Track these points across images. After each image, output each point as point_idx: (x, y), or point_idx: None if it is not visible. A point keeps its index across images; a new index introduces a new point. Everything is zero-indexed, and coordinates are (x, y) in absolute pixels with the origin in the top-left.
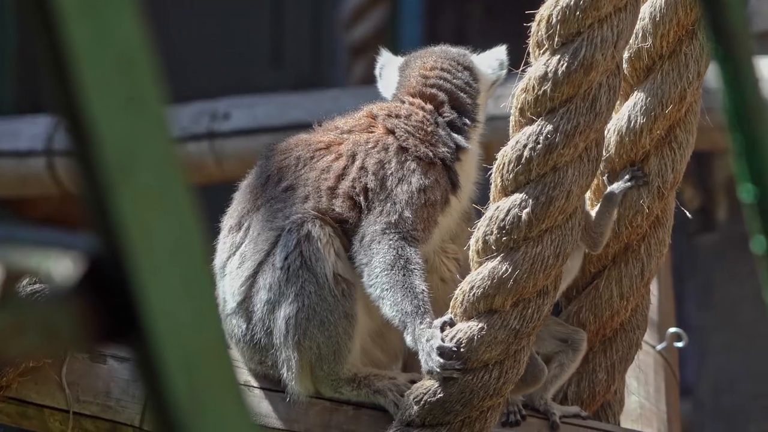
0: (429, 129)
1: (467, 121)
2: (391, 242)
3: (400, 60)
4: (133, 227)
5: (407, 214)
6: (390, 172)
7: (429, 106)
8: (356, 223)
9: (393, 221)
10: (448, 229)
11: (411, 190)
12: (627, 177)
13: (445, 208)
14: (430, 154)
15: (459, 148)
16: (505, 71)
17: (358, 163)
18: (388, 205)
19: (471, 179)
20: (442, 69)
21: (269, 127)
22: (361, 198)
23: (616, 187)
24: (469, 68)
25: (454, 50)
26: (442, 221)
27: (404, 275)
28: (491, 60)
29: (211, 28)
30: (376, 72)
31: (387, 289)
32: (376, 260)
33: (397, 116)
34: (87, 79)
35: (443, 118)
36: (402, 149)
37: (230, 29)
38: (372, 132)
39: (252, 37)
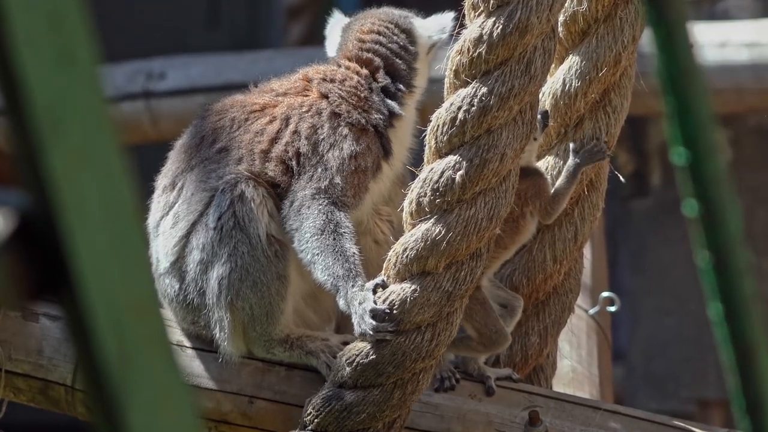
0: (363, 95)
1: (402, 87)
2: (321, 207)
3: (345, 21)
4: (63, 184)
5: (337, 180)
6: (322, 137)
7: (364, 71)
8: (288, 187)
9: (323, 187)
10: (381, 193)
11: (342, 156)
12: (590, 151)
13: (376, 175)
14: (363, 120)
15: (393, 115)
16: (445, 36)
17: (291, 127)
18: (319, 170)
19: (405, 145)
20: (378, 33)
21: (205, 87)
22: (294, 163)
23: (580, 161)
24: (407, 31)
25: (396, 13)
26: (373, 187)
27: (335, 239)
28: (433, 24)
29: None
30: (325, 32)
31: (318, 254)
32: (306, 225)
33: (332, 81)
34: (17, 36)
35: (378, 83)
36: (335, 114)
37: None
38: (306, 96)
39: None
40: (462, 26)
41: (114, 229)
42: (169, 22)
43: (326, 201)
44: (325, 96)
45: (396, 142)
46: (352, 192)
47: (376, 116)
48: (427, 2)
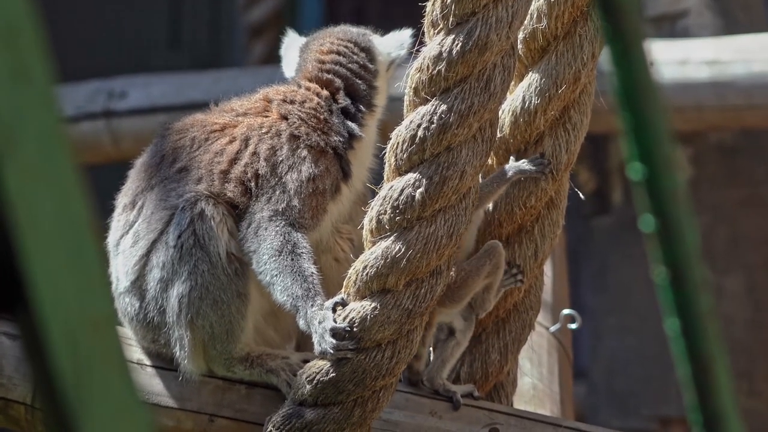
0: (322, 117)
1: (362, 107)
2: (278, 228)
3: (302, 40)
4: (18, 202)
5: (295, 202)
6: (281, 158)
7: (325, 92)
8: (247, 208)
9: (281, 209)
10: (341, 213)
11: (301, 179)
12: (530, 162)
13: (335, 197)
14: (322, 142)
15: (352, 136)
16: (404, 52)
17: (251, 148)
18: (278, 192)
19: (365, 165)
20: (338, 53)
21: (166, 106)
22: (252, 184)
23: (515, 166)
24: (366, 49)
25: (354, 31)
26: (332, 208)
27: (292, 260)
28: (392, 41)
29: (110, 7)
30: (281, 52)
31: (276, 275)
32: (264, 247)
33: (292, 102)
34: None
35: (338, 104)
36: (294, 136)
37: (129, 8)
38: (267, 116)
39: (150, 16)
40: (421, 44)
41: (69, 246)
42: (131, 41)
43: (284, 222)
44: (284, 117)
45: (356, 163)
46: (310, 214)
47: (335, 138)
48: (385, 19)
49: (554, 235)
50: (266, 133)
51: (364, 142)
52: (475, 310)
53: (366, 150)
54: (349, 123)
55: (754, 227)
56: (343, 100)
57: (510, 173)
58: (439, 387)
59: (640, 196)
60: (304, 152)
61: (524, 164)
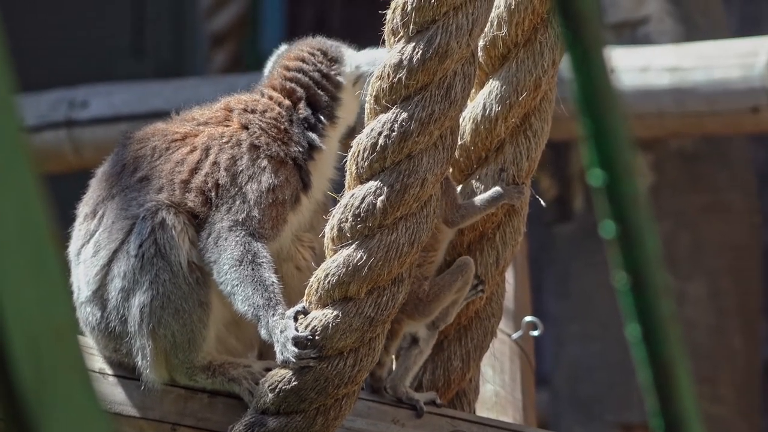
0: (282, 127)
1: (323, 118)
2: (238, 238)
3: (282, 49)
4: None
5: (255, 213)
6: (241, 168)
7: (287, 102)
8: (207, 218)
9: (240, 219)
10: (301, 223)
11: (260, 189)
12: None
13: (295, 207)
14: (282, 153)
15: (313, 147)
16: (374, 68)
17: (211, 158)
18: (237, 202)
19: (326, 176)
20: (302, 60)
21: (128, 115)
22: (213, 194)
23: (504, 192)
24: (334, 59)
25: (328, 42)
26: (292, 219)
27: (253, 269)
28: (365, 56)
29: (72, 16)
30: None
31: (237, 285)
32: (224, 257)
33: (253, 111)
34: None
35: (298, 114)
36: (254, 146)
37: (91, 16)
38: (228, 126)
39: (113, 25)
40: None
41: (31, 254)
42: (93, 50)
43: (244, 232)
44: (245, 127)
45: (316, 174)
46: (270, 224)
47: (295, 149)
48: (348, 27)
49: (516, 243)
50: (227, 142)
51: (324, 154)
52: (437, 322)
53: (327, 161)
54: (310, 134)
55: (716, 233)
56: (304, 111)
57: (500, 198)
58: (402, 395)
59: (600, 202)
60: (264, 162)
61: (509, 190)
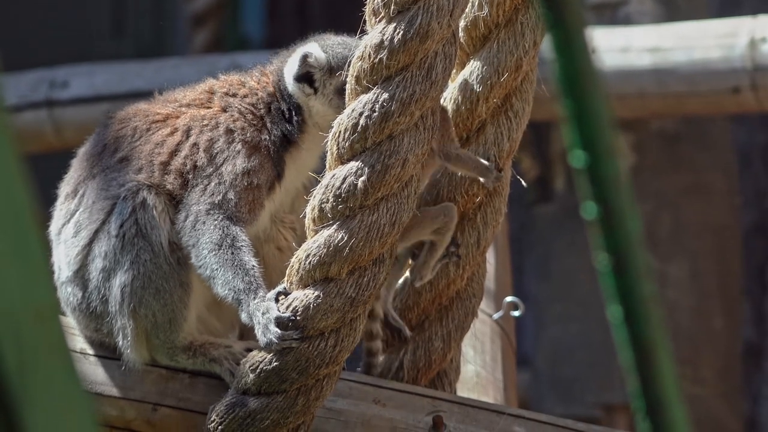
0: (258, 113)
1: (295, 115)
2: (216, 222)
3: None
4: None
5: (231, 195)
6: (217, 150)
7: (271, 89)
8: (183, 200)
9: (217, 202)
10: (276, 210)
11: (235, 171)
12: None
13: (270, 194)
14: (255, 139)
15: (288, 139)
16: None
17: (192, 140)
18: (213, 183)
19: (305, 167)
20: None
21: (109, 95)
22: (191, 176)
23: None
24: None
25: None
26: (268, 205)
27: (232, 253)
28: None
29: None
30: None
31: (216, 269)
32: (203, 241)
33: (234, 95)
34: None
35: (277, 105)
36: (230, 130)
37: None
38: (209, 108)
39: (93, 5)
40: (363, 32)
41: (11, 235)
42: (73, 30)
43: (221, 216)
44: (224, 110)
45: (291, 165)
46: (247, 208)
47: (266, 137)
48: (328, 9)
49: (497, 223)
50: (206, 125)
51: (301, 147)
52: (413, 274)
53: (304, 154)
54: (286, 125)
55: (698, 214)
56: (283, 103)
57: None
58: (391, 320)
59: (582, 183)
60: (239, 146)
61: (492, 174)
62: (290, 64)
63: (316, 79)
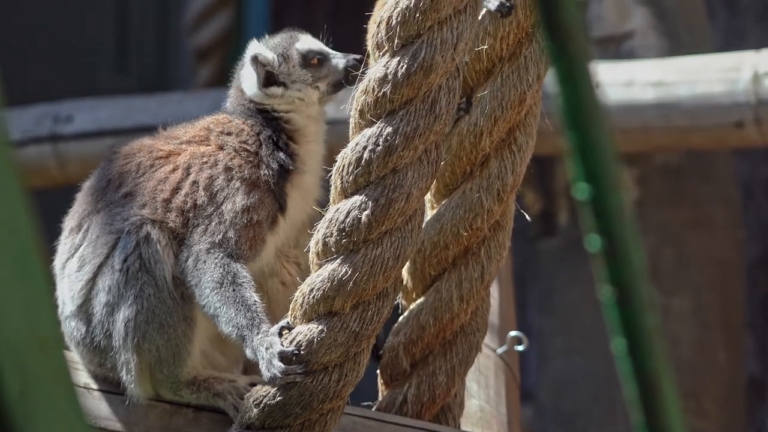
0: (252, 149)
1: (285, 137)
2: (216, 260)
3: None
4: None
5: (231, 234)
6: (217, 189)
7: (252, 120)
8: (185, 240)
9: (217, 241)
10: (283, 242)
11: (235, 210)
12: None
13: (273, 228)
14: (254, 175)
15: (285, 168)
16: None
17: (192, 178)
18: (214, 223)
19: (309, 195)
20: None
21: (113, 130)
22: (191, 215)
23: None
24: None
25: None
26: (270, 239)
27: (234, 290)
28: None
29: (55, 30)
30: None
31: (219, 307)
32: (204, 280)
33: (228, 133)
34: None
35: (265, 134)
36: (228, 168)
37: (74, 31)
38: (207, 146)
39: (97, 40)
40: (366, 66)
41: (16, 267)
42: (77, 65)
43: (222, 254)
44: (221, 148)
45: (294, 194)
46: (248, 245)
47: (265, 172)
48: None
49: (500, 257)
50: (206, 162)
51: (301, 171)
52: None
53: (306, 179)
54: (279, 154)
55: (700, 247)
56: (266, 128)
57: None
58: None
59: (585, 215)
60: (237, 183)
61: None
62: (247, 81)
63: (279, 73)
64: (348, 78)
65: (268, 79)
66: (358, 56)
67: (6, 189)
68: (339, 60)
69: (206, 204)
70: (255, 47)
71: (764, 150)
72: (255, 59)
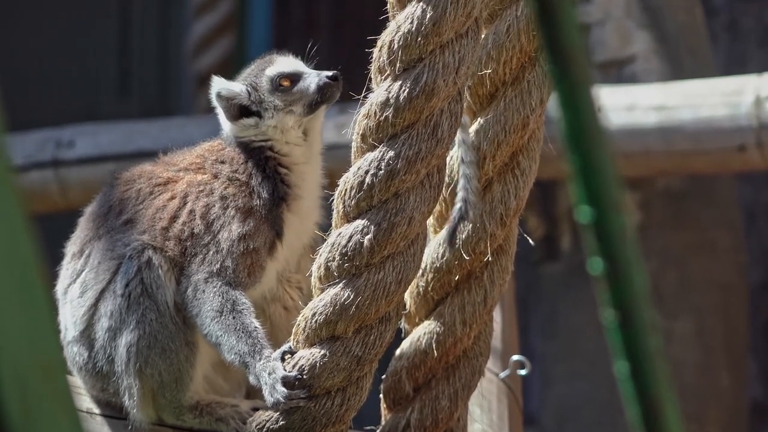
0: (243, 179)
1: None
2: (215, 289)
3: None
4: None
5: (228, 262)
6: (213, 218)
7: (239, 149)
8: (184, 271)
9: (215, 270)
10: (285, 268)
11: (232, 238)
12: None
13: (272, 254)
14: (248, 204)
15: (278, 194)
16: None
17: (188, 206)
18: (211, 252)
19: (308, 219)
20: None
21: (114, 155)
22: (189, 244)
23: None
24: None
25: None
26: (270, 265)
27: (234, 318)
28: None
29: (58, 56)
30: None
31: (221, 335)
32: (205, 309)
33: (222, 162)
34: None
35: (255, 160)
36: (223, 197)
37: (77, 57)
38: (203, 174)
39: (99, 65)
40: (368, 90)
41: (19, 292)
42: (79, 90)
43: (220, 282)
44: (216, 176)
45: (292, 219)
46: (246, 273)
47: (257, 201)
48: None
49: (503, 281)
50: (202, 191)
51: (297, 196)
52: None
53: (303, 203)
54: (271, 183)
55: (703, 271)
56: (251, 159)
57: None
58: None
59: (588, 238)
60: (233, 212)
61: None
62: (221, 116)
63: (250, 103)
64: (324, 95)
65: (241, 111)
66: (330, 72)
67: (8, 214)
68: (312, 78)
69: (203, 233)
70: (218, 83)
71: (766, 174)
72: (219, 95)
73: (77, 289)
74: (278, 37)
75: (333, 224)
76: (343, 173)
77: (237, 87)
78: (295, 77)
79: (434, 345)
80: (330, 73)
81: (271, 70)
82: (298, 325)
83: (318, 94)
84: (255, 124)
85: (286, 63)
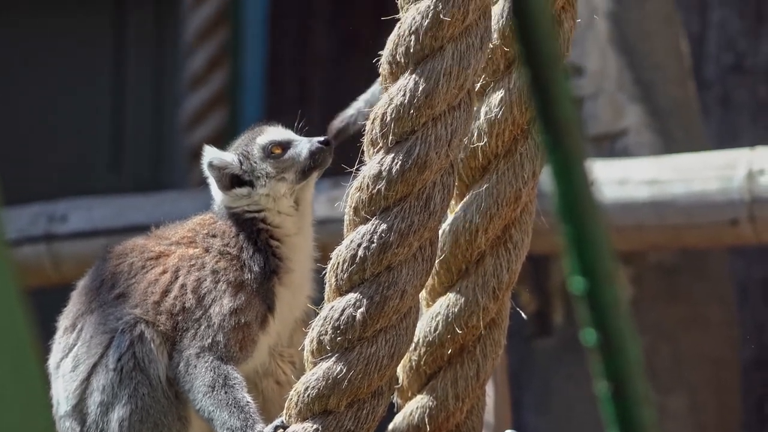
0: (234, 253)
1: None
2: (206, 364)
3: None
4: None
5: (220, 337)
6: (204, 292)
7: (230, 222)
8: (176, 346)
9: (207, 345)
10: (277, 342)
11: (223, 312)
12: None
13: (264, 328)
14: (238, 278)
15: (270, 268)
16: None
17: (180, 281)
18: (203, 327)
19: (300, 293)
20: None
21: (107, 229)
22: (180, 318)
23: None
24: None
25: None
26: (263, 339)
27: (226, 393)
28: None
29: (51, 130)
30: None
31: (213, 411)
32: (196, 385)
33: (213, 235)
34: None
35: (246, 234)
36: (215, 271)
37: (70, 131)
38: (195, 248)
39: (92, 139)
40: (361, 163)
41: (12, 366)
42: (72, 164)
43: (211, 357)
44: (207, 251)
45: (283, 293)
46: (238, 347)
47: (248, 276)
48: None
49: (496, 355)
50: (193, 265)
51: (290, 269)
52: None
53: (295, 276)
54: (262, 257)
55: (696, 346)
56: (243, 232)
57: None
58: None
59: (581, 309)
60: (224, 286)
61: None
62: (213, 187)
63: (242, 172)
64: (317, 160)
65: (233, 181)
66: (322, 138)
67: (2, 289)
68: (303, 145)
69: (194, 307)
70: (210, 153)
71: (759, 248)
72: (211, 165)
73: (69, 363)
74: (270, 111)
75: (325, 298)
76: (336, 247)
77: (229, 156)
78: (286, 144)
79: (426, 420)
80: (322, 138)
81: (263, 139)
82: (291, 399)
83: (310, 159)
84: (247, 194)
85: (276, 132)
